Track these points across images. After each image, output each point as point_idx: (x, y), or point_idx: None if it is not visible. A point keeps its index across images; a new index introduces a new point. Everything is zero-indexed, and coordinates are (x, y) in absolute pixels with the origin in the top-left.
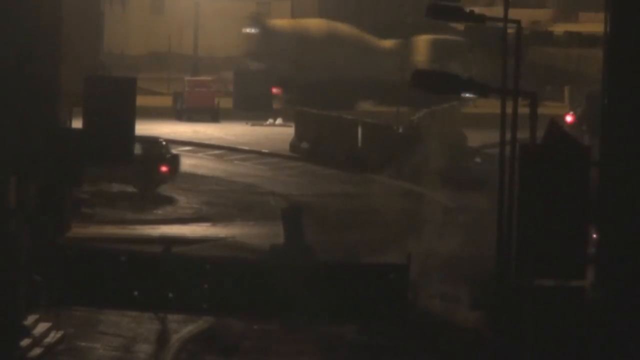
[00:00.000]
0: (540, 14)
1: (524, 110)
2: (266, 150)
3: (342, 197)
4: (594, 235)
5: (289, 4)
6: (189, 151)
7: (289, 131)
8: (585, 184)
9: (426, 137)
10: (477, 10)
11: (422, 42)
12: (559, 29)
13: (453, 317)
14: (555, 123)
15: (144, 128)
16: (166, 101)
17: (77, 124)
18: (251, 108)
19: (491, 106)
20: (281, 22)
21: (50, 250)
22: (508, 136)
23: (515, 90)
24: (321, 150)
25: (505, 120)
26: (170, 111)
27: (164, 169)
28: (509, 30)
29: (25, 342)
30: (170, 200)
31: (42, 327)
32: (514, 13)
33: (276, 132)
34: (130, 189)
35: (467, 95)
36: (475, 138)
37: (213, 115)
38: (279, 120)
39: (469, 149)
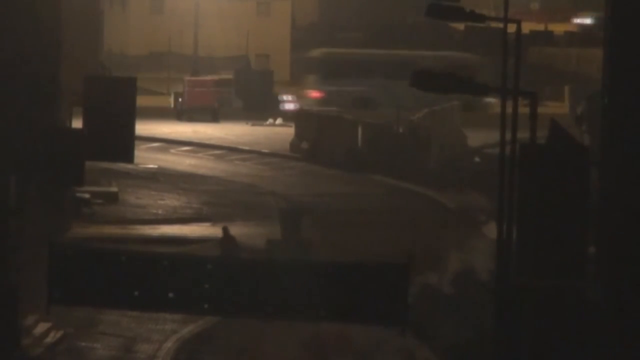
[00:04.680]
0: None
1: (524, 110)
2: (266, 150)
3: (342, 197)
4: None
5: (289, 4)
6: (189, 151)
7: (289, 131)
8: (586, 184)
9: (426, 137)
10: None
11: None
12: (559, 29)
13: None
14: (557, 123)
15: (144, 128)
16: (166, 101)
17: (77, 124)
18: (251, 108)
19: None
20: None
21: (51, 250)
22: (508, 136)
23: (515, 90)
24: (321, 150)
25: (505, 120)
26: (170, 111)
27: None
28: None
29: (25, 342)
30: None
31: (42, 327)
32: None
33: (276, 132)
34: None
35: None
36: (475, 138)
37: (213, 115)
38: (279, 120)
39: (469, 148)
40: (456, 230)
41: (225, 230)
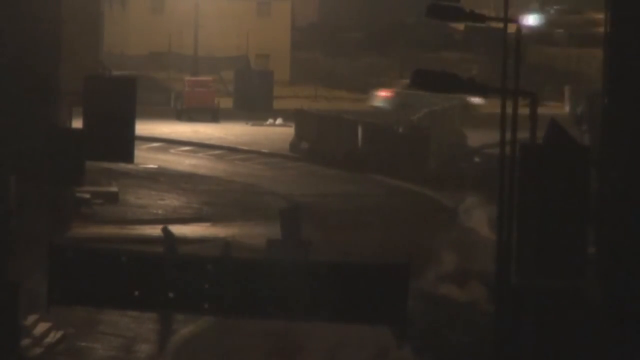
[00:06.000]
0: None
1: (524, 110)
2: (266, 150)
3: (342, 197)
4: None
5: (289, 4)
6: (189, 151)
7: (289, 131)
8: (585, 184)
9: (426, 137)
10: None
11: None
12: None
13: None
14: (556, 123)
15: (144, 128)
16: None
17: (77, 124)
18: (251, 108)
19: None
20: None
21: (51, 250)
22: (508, 136)
23: (515, 90)
24: (321, 150)
25: (505, 120)
26: (170, 111)
27: None
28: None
29: (25, 342)
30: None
31: (42, 327)
32: None
33: (276, 132)
34: None
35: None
36: (476, 138)
37: (213, 115)
38: (279, 120)
39: (469, 148)
40: (454, 229)
41: (165, 230)
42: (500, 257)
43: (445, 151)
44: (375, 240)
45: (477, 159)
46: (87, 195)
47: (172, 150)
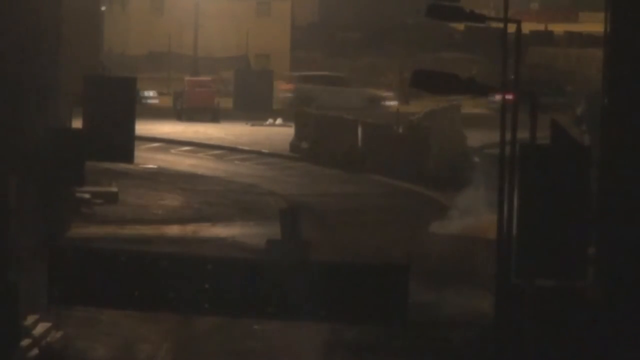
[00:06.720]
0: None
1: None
2: (266, 150)
3: (342, 197)
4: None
5: (289, 4)
6: (189, 151)
7: (289, 131)
8: (586, 184)
9: (426, 137)
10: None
11: None
12: (559, 28)
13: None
14: (558, 124)
15: (144, 128)
16: (166, 101)
17: (77, 124)
18: (251, 108)
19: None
20: None
21: (51, 250)
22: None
23: (515, 90)
24: (321, 150)
25: (505, 120)
26: (170, 111)
27: None
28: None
29: (25, 342)
30: None
31: (42, 327)
32: None
33: (276, 132)
34: None
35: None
36: (476, 138)
37: (213, 115)
38: (279, 120)
39: (468, 149)
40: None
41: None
42: (500, 257)
43: (445, 151)
44: (375, 240)
45: (476, 159)
46: (87, 195)
47: (172, 150)
